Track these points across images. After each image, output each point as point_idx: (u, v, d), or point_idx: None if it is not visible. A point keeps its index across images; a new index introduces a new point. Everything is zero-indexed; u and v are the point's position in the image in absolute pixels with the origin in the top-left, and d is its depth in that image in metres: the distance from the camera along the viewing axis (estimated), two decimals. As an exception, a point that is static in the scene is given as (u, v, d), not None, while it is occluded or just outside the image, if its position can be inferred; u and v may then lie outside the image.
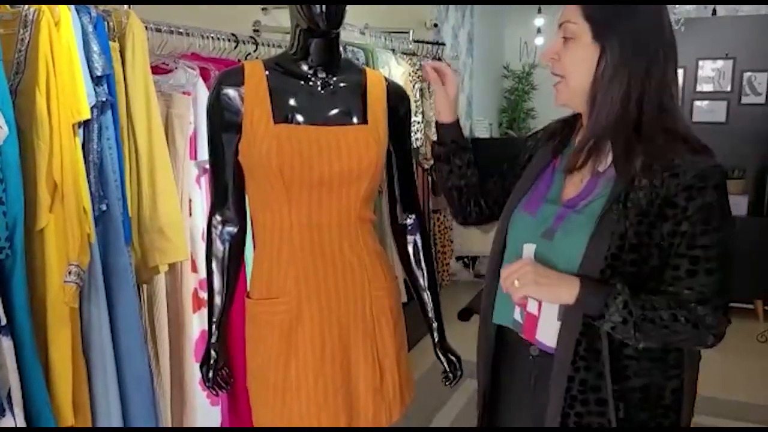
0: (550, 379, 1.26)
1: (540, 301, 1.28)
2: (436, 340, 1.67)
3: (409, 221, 1.66)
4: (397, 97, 1.56)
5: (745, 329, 4.41)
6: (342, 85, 1.50)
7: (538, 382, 1.33)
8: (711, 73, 4.89)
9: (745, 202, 4.67)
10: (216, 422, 2.25)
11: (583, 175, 1.29)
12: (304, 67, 1.48)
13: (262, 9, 2.81)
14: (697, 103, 4.92)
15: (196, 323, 2.19)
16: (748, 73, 4.79)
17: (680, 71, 4.87)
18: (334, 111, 1.47)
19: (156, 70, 2.03)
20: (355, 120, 1.48)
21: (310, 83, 1.47)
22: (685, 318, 1.15)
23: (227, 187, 1.51)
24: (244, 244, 1.59)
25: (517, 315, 1.35)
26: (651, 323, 1.15)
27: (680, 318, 1.15)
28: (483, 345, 1.44)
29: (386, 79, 1.57)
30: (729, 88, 4.84)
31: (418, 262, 1.66)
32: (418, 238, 1.66)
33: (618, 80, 1.18)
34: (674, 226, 1.15)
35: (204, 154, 2.13)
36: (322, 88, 1.48)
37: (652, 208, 1.16)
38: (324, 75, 1.48)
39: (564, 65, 1.22)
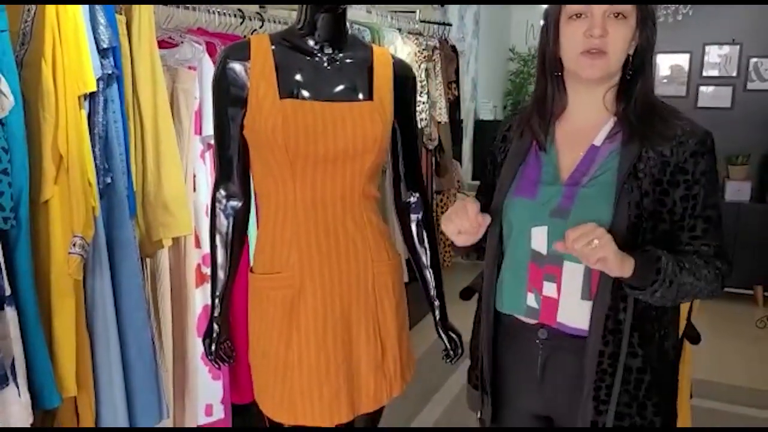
0: (561, 356, 1.31)
1: (559, 284, 1.29)
2: (438, 318, 1.68)
3: (412, 199, 1.66)
4: (403, 74, 1.56)
5: (744, 315, 4.44)
6: (348, 61, 1.49)
7: (547, 363, 1.35)
8: (717, 58, 4.86)
9: (748, 188, 4.67)
10: (218, 397, 2.27)
11: (575, 152, 1.32)
12: (311, 43, 1.47)
13: (260, 7, 2.77)
14: (703, 88, 4.90)
15: (199, 298, 2.20)
16: (755, 59, 4.76)
17: (686, 56, 4.90)
18: (340, 87, 1.47)
19: (162, 44, 2.03)
20: (360, 96, 1.48)
21: (317, 59, 1.47)
22: (709, 271, 1.25)
23: (232, 162, 1.51)
24: (248, 219, 1.59)
25: (531, 301, 1.34)
26: (690, 281, 1.23)
27: (709, 272, 1.25)
28: (485, 331, 1.44)
29: (393, 57, 1.56)
30: (735, 74, 4.82)
31: (421, 240, 1.67)
32: (421, 216, 1.66)
33: (648, 60, 1.29)
34: (686, 190, 1.24)
35: (209, 129, 2.13)
36: (328, 64, 1.47)
37: (664, 176, 1.24)
38: (330, 51, 1.48)
39: (610, 41, 1.24)
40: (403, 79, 1.56)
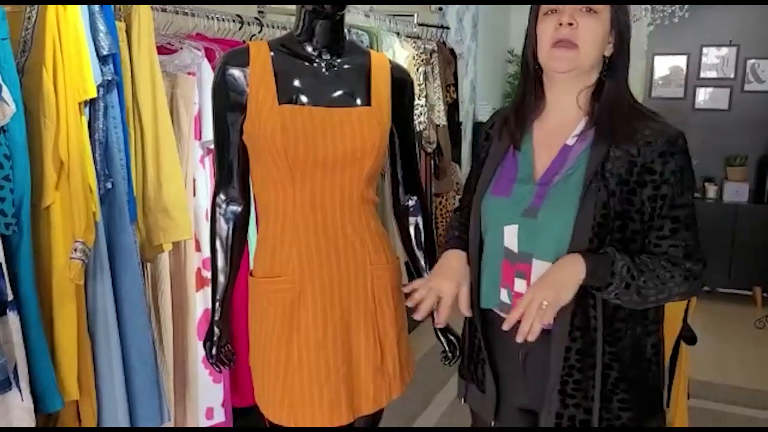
0: (539, 351, 1.32)
1: (529, 280, 1.31)
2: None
3: (410, 203, 1.68)
4: (401, 79, 1.58)
5: (743, 315, 4.45)
6: (346, 66, 1.51)
7: (528, 357, 1.37)
8: (715, 60, 4.88)
9: (746, 190, 4.69)
10: (218, 400, 2.28)
11: (551, 151, 1.34)
12: (309, 49, 1.49)
13: (259, 13, 2.78)
14: (700, 89, 4.92)
15: (200, 302, 2.21)
16: (752, 61, 4.78)
17: (684, 58, 4.92)
18: (338, 92, 1.48)
19: (161, 50, 2.04)
20: (358, 102, 1.49)
21: (315, 64, 1.49)
22: (678, 273, 1.25)
23: (232, 167, 1.53)
24: (247, 223, 1.61)
25: (504, 297, 1.37)
26: (651, 284, 1.23)
27: (675, 275, 1.25)
28: (471, 325, 1.47)
29: (390, 62, 1.58)
30: (732, 75, 4.83)
31: (419, 243, 1.68)
32: (419, 219, 1.68)
33: (622, 60, 1.31)
34: (654, 190, 1.24)
35: (208, 134, 2.14)
36: (326, 70, 1.49)
37: (631, 176, 1.25)
38: (328, 56, 1.49)
39: (579, 33, 1.26)
40: (401, 84, 1.57)
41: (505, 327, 1.23)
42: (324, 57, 1.49)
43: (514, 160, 1.39)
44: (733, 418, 3.11)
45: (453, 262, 1.44)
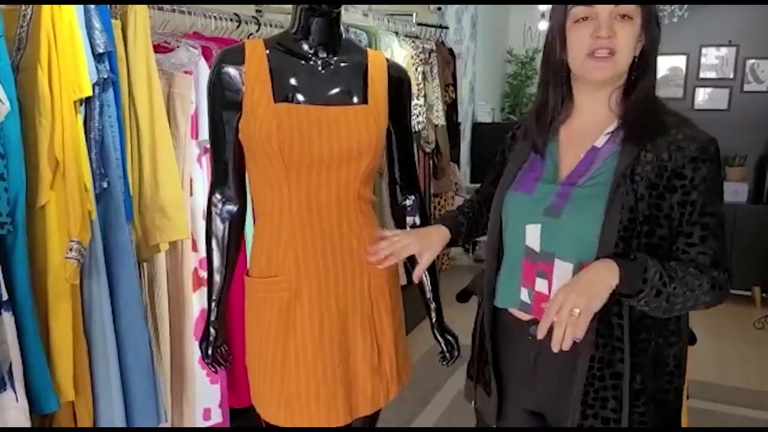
0: (551, 354, 1.27)
1: (550, 280, 1.29)
2: (434, 320, 1.68)
3: (408, 202, 1.67)
4: (398, 77, 1.56)
5: (742, 316, 4.43)
6: (343, 64, 1.50)
7: (538, 359, 1.36)
8: (714, 60, 4.88)
9: (745, 190, 4.68)
10: (215, 401, 2.27)
11: (578, 153, 1.32)
12: (305, 47, 1.48)
13: (257, 11, 2.77)
14: (700, 89, 4.93)
15: (196, 302, 2.20)
16: (752, 61, 4.78)
17: (683, 58, 4.92)
18: (335, 91, 1.47)
19: (158, 48, 2.03)
20: (355, 100, 1.48)
21: (311, 63, 1.47)
22: (705, 282, 1.21)
23: (227, 166, 1.52)
24: (243, 223, 1.60)
25: (524, 296, 1.36)
26: (680, 291, 1.19)
27: (702, 283, 1.21)
28: (485, 324, 1.45)
29: (387, 60, 1.57)
30: (732, 75, 4.83)
31: (417, 243, 1.67)
32: (417, 219, 1.67)
33: (653, 60, 1.30)
34: (683, 196, 1.22)
35: (205, 133, 2.13)
36: (322, 68, 1.48)
37: (661, 180, 1.22)
38: (325, 54, 1.48)
39: (618, 41, 1.25)
40: (398, 82, 1.56)
41: (539, 336, 1.18)
42: (320, 55, 1.48)
43: (541, 160, 1.38)
44: (733, 419, 3.10)
45: (432, 230, 1.49)
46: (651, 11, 1.27)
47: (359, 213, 1.50)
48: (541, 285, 1.32)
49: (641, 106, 1.28)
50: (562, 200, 1.28)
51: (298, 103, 1.43)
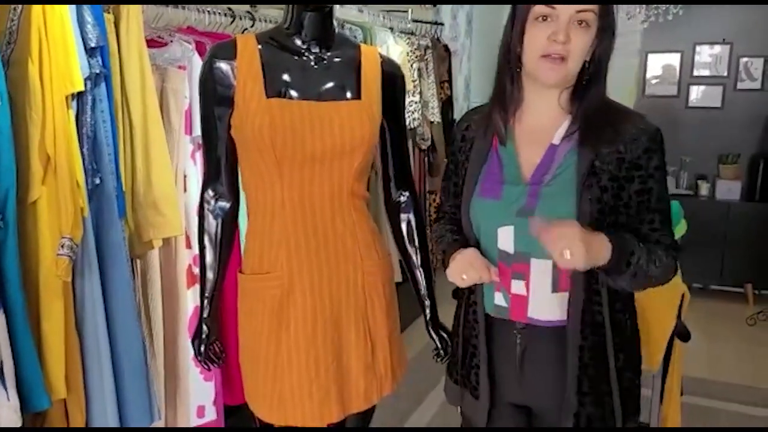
0: (537, 346, 1.35)
1: (528, 281, 1.32)
2: (428, 317, 1.68)
3: (402, 198, 1.65)
4: (391, 73, 1.55)
5: (735, 313, 4.45)
6: (336, 60, 1.49)
7: (526, 353, 1.38)
8: (708, 58, 4.88)
9: (738, 188, 4.69)
10: (209, 398, 2.26)
11: (537, 151, 1.34)
12: (298, 42, 1.46)
13: (251, 7, 2.75)
14: (693, 87, 4.91)
15: (190, 299, 2.19)
16: (745, 59, 4.77)
17: (677, 56, 4.92)
18: (328, 86, 1.46)
19: (151, 43, 2.01)
20: (348, 95, 1.47)
21: (304, 58, 1.46)
22: (668, 258, 1.32)
23: (220, 162, 1.51)
24: (236, 219, 1.58)
25: (499, 300, 1.37)
26: (658, 266, 1.29)
27: (669, 259, 1.32)
28: (466, 332, 1.47)
29: (381, 55, 1.56)
30: (725, 74, 4.83)
31: (411, 239, 1.66)
32: (411, 216, 1.66)
33: (604, 67, 1.33)
34: (641, 184, 1.29)
35: (199, 129, 2.11)
36: (315, 63, 1.47)
37: (620, 172, 1.29)
38: (318, 50, 1.47)
39: (571, 48, 1.26)
40: (392, 78, 1.55)
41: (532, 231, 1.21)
42: (313, 50, 1.47)
43: (499, 161, 1.38)
44: (727, 415, 3.11)
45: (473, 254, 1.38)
46: (608, 21, 1.29)
47: (352, 209, 1.49)
48: (517, 287, 1.34)
49: (595, 108, 1.31)
50: (533, 200, 1.31)
51: (291, 98, 1.42)
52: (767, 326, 4.27)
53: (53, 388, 1.68)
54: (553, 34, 1.25)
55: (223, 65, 1.42)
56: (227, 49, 1.43)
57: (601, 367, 1.33)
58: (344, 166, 1.44)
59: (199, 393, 2.24)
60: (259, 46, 1.44)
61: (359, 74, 1.49)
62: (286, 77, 1.43)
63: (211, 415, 2.27)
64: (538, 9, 1.26)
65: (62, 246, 1.65)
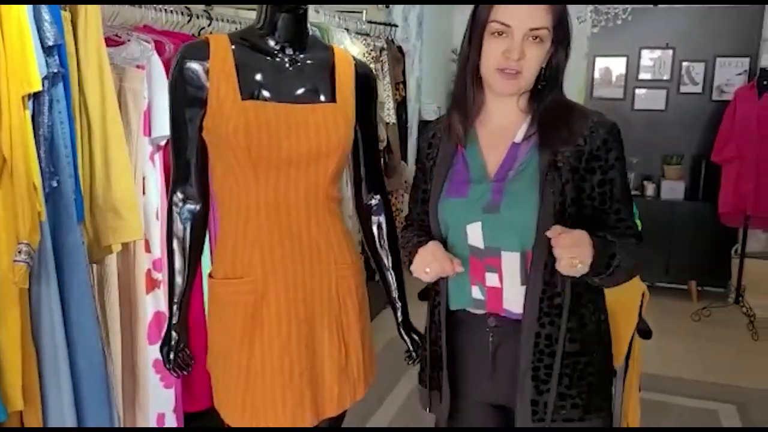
0: (509, 343, 1.37)
1: (500, 273, 1.35)
2: (400, 320, 1.68)
3: (373, 201, 1.65)
4: (365, 75, 1.55)
5: (680, 309, 4.59)
6: (310, 62, 1.47)
7: (498, 351, 1.40)
8: (651, 62, 5.02)
9: (681, 187, 4.85)
10: (170, 405, 2.20)
11: (500, 150, 1.39)
12: (271, 43, 1.44)
13: (207, 6, 2.69)
14: (638, 91, 5.05)
15: (150, 304, 2.13)
16: (687, 63, 4.93)
17: (623, 60, 5.05)
18: (303, 89, 1.44)
19: (108, 42, 1.95)
20: (323, 98, 1.46)
21: (278, 59, 1.44)
22: (641, 250, 1.37)
23: (189, 164, 1.47)
24: (206, 223, 1.55)
25: (477, 293, 1.39)
26: (634, 261, 1.33)
27: (640, 251, 1.37)
28: (440, 328, 1.46)
29: (354, 58, 1.55)
30: (668, 77, 4.98)
31: (382, 242, 1.66)
32: (382, 218, 1.66)
33: (559, 73, 1.37)
34: (602, 175, 1.33)
35: (158, 130, 2.07)
36: (290, 65, 1.45)
37: (580, 164, 1.32)
38: (291, 51, 1.45)
39: (526, 63, 1.31)
40: (365, 81, 1.55)
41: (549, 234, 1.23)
42: (287, 52, 1.45)
43: (464, 163, 1.42)
44: (680, 409, 3.21)
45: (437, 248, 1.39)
46: (563, 32, 1.34)
47: (327, 212, 1.48)
48: (491, 279, 1.37)
49: (553, 109, 1.36)
50: (498, 195, 1.34)
51: (265, 100, 1.40)
52: (711, 322, 4.42)
53: (9, 400, 1.63)
54: (507, 51, 1.29)
55: (195, 66, 1.39)
56: (200, 49, 1.40)
57: (558, 357, 1.34)
58: (320, 169, 1.43)
59: (159, 400, 2.19)
60: (233, 47, 1.41)
61: (333, 77, 1.47)
62: (260, 78, 1.41)
63: (171, 423, 2.22)
64: (494, 25, 1.30)
65: (19, 252, 1.58)
